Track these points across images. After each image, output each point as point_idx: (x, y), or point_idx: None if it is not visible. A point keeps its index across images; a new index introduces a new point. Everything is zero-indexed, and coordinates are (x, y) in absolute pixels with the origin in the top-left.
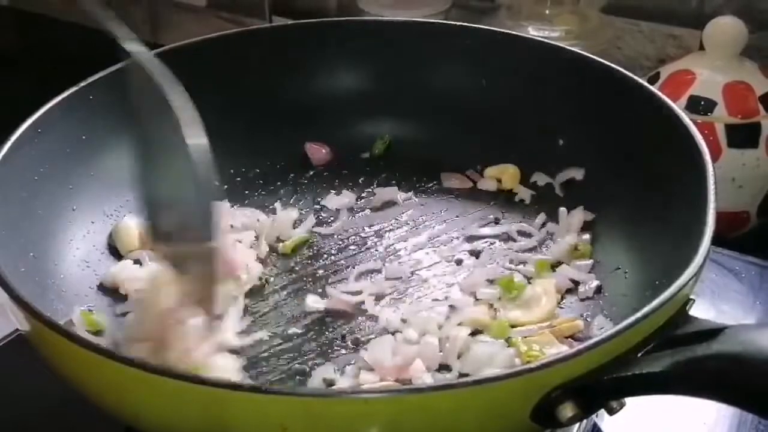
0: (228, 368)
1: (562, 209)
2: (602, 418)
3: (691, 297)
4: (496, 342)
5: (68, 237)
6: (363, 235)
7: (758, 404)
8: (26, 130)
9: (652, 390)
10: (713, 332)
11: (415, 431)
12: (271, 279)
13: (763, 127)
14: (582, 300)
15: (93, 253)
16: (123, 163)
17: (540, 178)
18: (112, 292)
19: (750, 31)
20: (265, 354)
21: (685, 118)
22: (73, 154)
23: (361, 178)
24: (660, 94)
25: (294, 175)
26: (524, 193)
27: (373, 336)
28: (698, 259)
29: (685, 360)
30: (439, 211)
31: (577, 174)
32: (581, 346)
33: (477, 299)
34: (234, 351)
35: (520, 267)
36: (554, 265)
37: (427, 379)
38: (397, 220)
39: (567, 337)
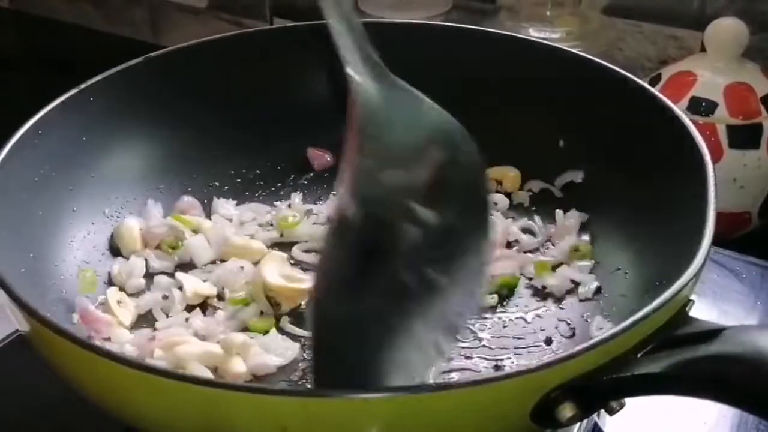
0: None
1: (559, 211)
2: (603, 418)
3: (691, 298)
4: None
5: (68, 238)
6: None
7: (758, 405)
8: (26, 132)
9: (652, 390)
10: (713, 333)
11: (414, 431)
12: None
13: (765, 128)
14: (581, 300)
15: (93, 254)
16: (123, 165)
17: (540, 179)
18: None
19: (751, 32)
20: None
21: (686, 119)
22: (73, 155)
23: None
24: (661, 95)
25: (294, 177)
26: (523, 195)
27: None
28: (698, 260)
29: (685, 361)
30: None
31: (577, 176)
32: (581, 346)
33: None
34: None
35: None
36: (555, 266)
37: None
38: None
39: None
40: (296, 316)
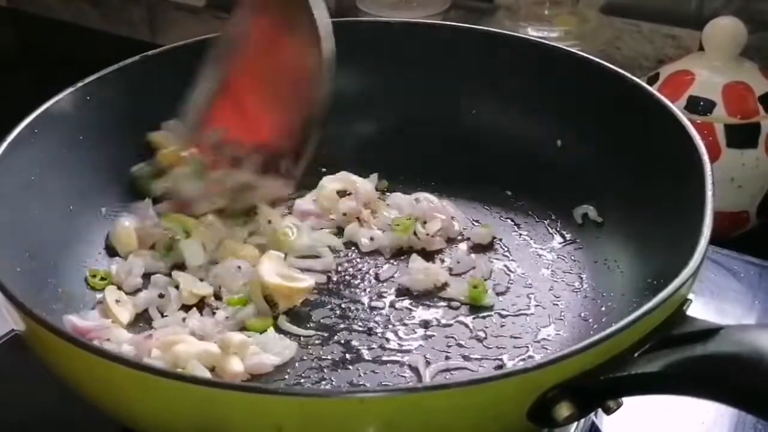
0: None
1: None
2: (600, 417)
3: (689, 297)
4: None
5: (65, 237)
6: None
7: (756, 405)
8: (23, 131)
9: (649, 390)
10: (710, 332)
11: (411, 431)
12: None
13: (763, 128)
14: (579, 299)
15: (90, 253)
16: (120, 163)
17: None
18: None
19: (749, 31)
20: None
21: (684, 118)
22: (70, 154)
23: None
24: (659, 94)
25: None
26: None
27: None
28: (695, 259)
29: (682, 360)
30: None
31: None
32: (578, 346)
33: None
34: None
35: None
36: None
37: None
38: None
39: None
40: (293, 315)
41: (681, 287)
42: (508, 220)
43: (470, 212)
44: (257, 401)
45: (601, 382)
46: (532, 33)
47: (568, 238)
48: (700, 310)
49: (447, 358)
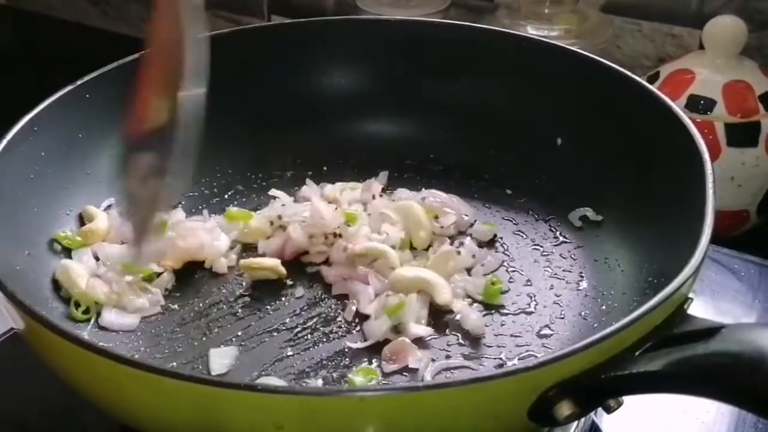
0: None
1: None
2: (601, 416)
3: (690, 296)
4: None
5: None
6: None
7: (756, 403)
8: (22, 128)
9: (650, 388)
10: (711, 331)
11: (411, 430)
12: None
13: (763, 126)
14: (580, 297)
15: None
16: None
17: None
18: None
19: (750, 30)
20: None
21: (684, 117)
22: (69, 152)
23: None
24: (659, 93)
25: (292, 174)
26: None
27: None
28: (696, 258)
29: (683, 359)
30: None
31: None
32: (578, 344)
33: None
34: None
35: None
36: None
37: None
38: None
39: None
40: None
41: (682, 286)
42: (509, 219)
43: (470, 211)
44: (257, 400)
45: (601, 381)
46: (532, 31)
47: (568, 237)
48: (701, 309)
49: (447, 357)
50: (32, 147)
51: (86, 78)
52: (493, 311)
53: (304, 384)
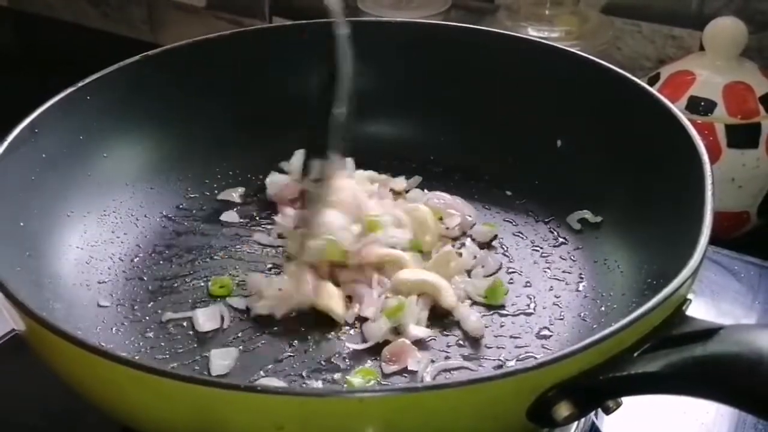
0: None
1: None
2: (600, 417)
3: (689, 297)
4: None
5: (65, 237)
6: None
7: (755, 405)
8: (23, 130)
9: (649, 390)
10: (710, 332)
11: (410, 431)
12: None
13: (763, 128)
14: (579, 299)
15: (89, 253)
16: (120, 163)
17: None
18: None
19: (750, 31)
20: None
21: (683, 118)
22: (70, 154)
23: None
24: (659, 95)
25: None
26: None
27: None
28: (694, 259)
29: (682, 360)
30: None
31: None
32: (577, 345)
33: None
34: None
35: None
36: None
37: None
38: None
39: None
40: None
41: (681, 287)
42: (508, 221)
43: (473, 212)
44: (257, 401)
45: (600, 382)
46: (533, 33)
47: (568, 238)
48: (700, 310)
49: (447, 357)
50: (33, 149)
51: (87, 80)
52: (492, 312)
53: (304, 385)
